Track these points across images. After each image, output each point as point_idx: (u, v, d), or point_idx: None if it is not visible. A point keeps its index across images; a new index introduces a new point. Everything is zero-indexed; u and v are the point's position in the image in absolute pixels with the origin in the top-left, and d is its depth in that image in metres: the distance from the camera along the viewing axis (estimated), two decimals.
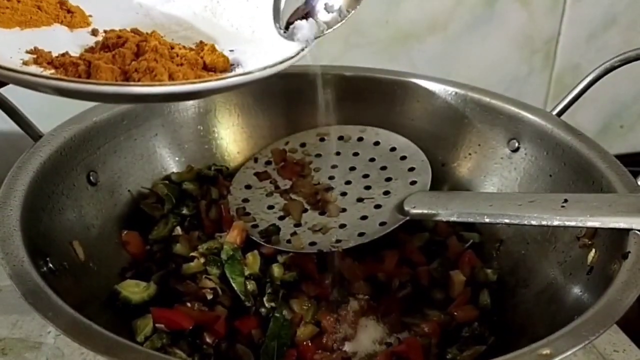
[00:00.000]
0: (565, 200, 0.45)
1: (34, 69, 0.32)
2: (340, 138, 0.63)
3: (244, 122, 0.64)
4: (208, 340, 0.47)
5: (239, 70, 0.36)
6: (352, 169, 0.60)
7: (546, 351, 0.33)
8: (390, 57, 0.82)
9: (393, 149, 0.61)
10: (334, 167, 0.61)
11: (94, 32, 0.37)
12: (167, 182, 0.59)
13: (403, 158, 0.59)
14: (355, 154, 0.61)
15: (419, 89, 0.62)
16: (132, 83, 0.32)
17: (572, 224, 0.44)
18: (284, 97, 0.64)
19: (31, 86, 0.31)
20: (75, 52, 0.34)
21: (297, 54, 0.37)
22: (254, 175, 0.61)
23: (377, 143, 0.62)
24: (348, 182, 0.59)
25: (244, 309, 0.50)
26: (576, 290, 0.45)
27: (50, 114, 0.53)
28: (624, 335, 0.56)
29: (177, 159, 0.61)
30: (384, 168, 0.59)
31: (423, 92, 0.62)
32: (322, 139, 0.64)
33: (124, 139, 0.56)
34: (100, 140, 0.54)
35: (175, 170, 0.61)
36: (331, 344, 0.49)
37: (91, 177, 0.52)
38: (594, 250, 0.45)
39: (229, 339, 0.48)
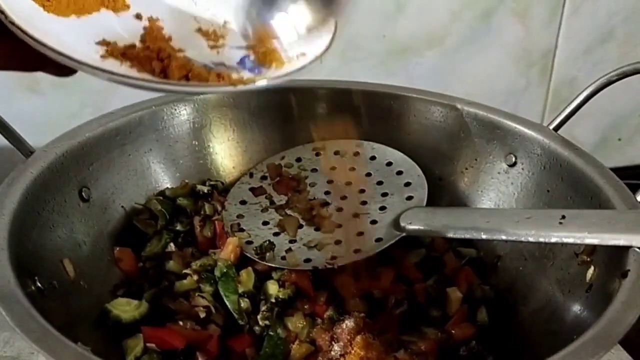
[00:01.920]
0: (563, 217, 0.44)
1: (111, 63, 0.33)
2: (337, 153, 0.63)
3: (239, 136, 0.64)
4: None
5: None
6: (348, 184, 0.59)
7: None
8: (388, 71, 0.82)
9: (389, 164, 0.60)
10: (329, 182, 0.60)
11: (138, 16, 0.39)
12: (161, 197, 0.58)
13: (399, 173, 0.59)
14: (352, 169, 0.61)
15: (415, 103, 0.62)
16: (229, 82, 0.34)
17: (570, 241, 0.43)
18: (279, 112, 0.64)
19: (117, 82, 0.32)
20: (134, 40, 0.36)
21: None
22: (249, 190, 0.61)
23: (373, 158, 0.61)
24: (344, 198, 0.58)
25: (238, 327, 0.49)
26: (575, 308, 0.45)
27: (43, 130, 0.53)
28: (624, 353, 0.55)
29: (171, 174, 0.60)
30: (380, 183, 0.59)
31: (419, 107, 0.62)
32: (318, 154, 0.63)
33: (117, 154, 0.56)
34: (93, 156, 0.53)
35: (169, 185, 0.60)
36: None
37: (83, 194, 0.52)
38: (592, 268, 0.45)
39: (222, 358, 0.47)
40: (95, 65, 0.32)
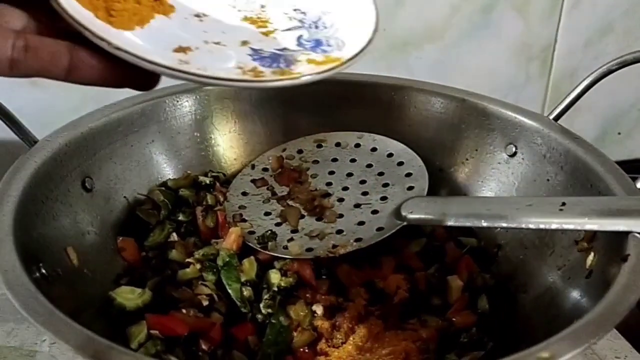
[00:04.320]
0: (563, 204, 0.44)
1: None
2: (338, 144, 0.63)
3: (241, 128, 0.64)
4: (204, 347, 0.47)
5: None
6: (350, 175, 0.60)
7: (545, 354, 0.32)
8: (388, 65, 0.82)
9: (390, 155, 0.60)
10: (331, 173, 0.61)
11: (188, 17, 0.40)
12: (163, 188, 0.58)
13: (400, 164, 0.59)
14: (353, 160, 0.61)
15: (415, 95, 0.62)
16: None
17: (571, 227, 0.44)
18: (280, 104, 0.64)
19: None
20: (204, 40, 0.38)
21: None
22: (250, 182, 0.61)
23: (374, 149, 0.62)
24: (345, 188, 0.58)
25: (240, 315, 0.50)
26: (575, 294, 0.45)
27: (47, 121, 0.53)
28: (624, 341, 0.55)
29: (173, 165, 0.61)
30: (381, 174, 0.59)
31: (420, 98, 0.62)
32: (319, 146, 0.63)
33: (120, 145, 0.56)
34: (96, 146, 0.54)
35: (171, 176, 0.60)
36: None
37: (86, 183, 0.52)
38: (592, 254, 0.45)
39: (225, 345, 0.48)
40: (183, 69, 0.33)
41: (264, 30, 0.40)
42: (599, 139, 0.95)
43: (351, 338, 0.48)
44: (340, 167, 0.61)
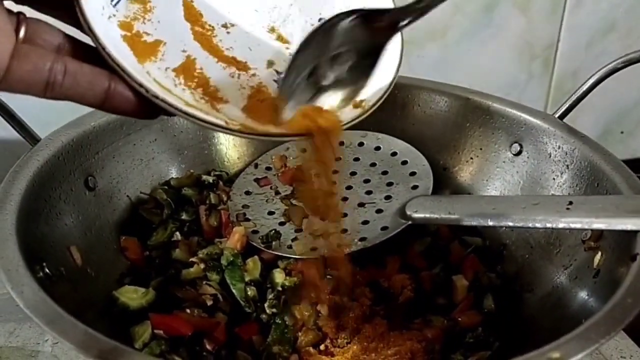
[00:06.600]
0: (570, 203, 0.44)
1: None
2: (341, 143, 0.63)
3: None
4: (208, 347, 0.46)
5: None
6: (353, 174, 0.59)
7: (556, 355, 0.32)
8: None
9: (394, 154, 0.60)
10: (334, 172, 0.60)
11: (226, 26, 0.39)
12: (166, 187, 0.58)
13: (404, 163, 0.59)
14: (356, 159, 0.61)
15: (419, 93, 0.62)
16: None
17: (578, 226, 0.43)
18: None
19: None
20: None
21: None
22: (254, 181, 0.61)
23: (378, 148, 0.61)
24: (349, 187, 0.58)
25: (245, 315, 0.49)
26: (582, 294, 0.45)
27: (49, 120, 0.53)
28: (630, 341, 0.55)
29: (176, 164, 0.61)
30: (385, 173, 0.59)
31: (423, 96, 0.62)
32: None
33: (122, 144, 0.56)
34: (98, 145, 0.53)
35: (174, 175, 0.60)
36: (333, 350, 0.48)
37: (89, 182, 0.52)
38: (600, 253, 0.45)
39: (229, 345, 0.47)
40: (220, 124, 0.33)
41: (287, 46, 0.40)
42: (602, 138, 0.95)
43: (356, 338, 0.48)
44: (344, 166, 0.60)
